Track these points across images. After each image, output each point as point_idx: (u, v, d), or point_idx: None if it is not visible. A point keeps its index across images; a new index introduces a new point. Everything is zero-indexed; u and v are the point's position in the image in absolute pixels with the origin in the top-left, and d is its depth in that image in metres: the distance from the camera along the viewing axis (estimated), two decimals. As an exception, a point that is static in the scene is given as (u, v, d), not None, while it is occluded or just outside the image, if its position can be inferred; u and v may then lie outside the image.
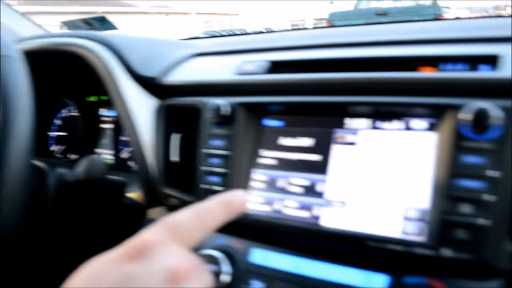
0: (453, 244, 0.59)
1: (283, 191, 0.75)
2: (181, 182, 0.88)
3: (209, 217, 0.44)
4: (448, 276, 0.60)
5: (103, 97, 1.30)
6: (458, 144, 0.61)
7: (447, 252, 0.59)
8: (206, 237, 0.75)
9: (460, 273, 0.60)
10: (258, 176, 0.78)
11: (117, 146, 1.23)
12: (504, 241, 0.59)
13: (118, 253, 0.37)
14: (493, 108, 0.58)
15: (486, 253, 0.58)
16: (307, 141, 0.75)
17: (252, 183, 0.78)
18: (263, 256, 0.73)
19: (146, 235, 0.39)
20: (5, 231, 0.69)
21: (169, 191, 0.88)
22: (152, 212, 0.95)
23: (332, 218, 0.69)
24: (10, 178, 0.68)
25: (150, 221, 0.93)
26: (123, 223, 0.98)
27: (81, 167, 0.82)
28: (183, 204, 0.84)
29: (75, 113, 1.35)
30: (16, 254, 0.75)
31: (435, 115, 0.65)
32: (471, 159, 0.60)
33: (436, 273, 0.61)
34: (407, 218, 0.64)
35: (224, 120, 0.79)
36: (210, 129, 0.81)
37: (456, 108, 0.62)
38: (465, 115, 0.60)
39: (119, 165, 1.22)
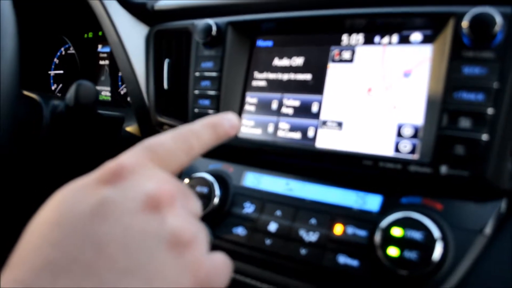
0: (450, 160, 0.56)
1: (277, 113, 0.72)
2: (174, 109, 0.85)
3: (195, 139, 0.40)
4: (445, 196, 0.58)
5: (100, 33, 1.27)
6: (456, 55, 0.56)
7: (443, 169, 0.56)
8: (195, 162, 0.74)
9: (458, 193, 0.57)
10: (251, 99, 0.75)
11: (115, 82, 1.21)
12: (506, 157, 0.55)
13: (93, 177, 0.34)
14: (495, 14, 0.53)
15: (486, 170, 0.54)
16: (301, 61, 0.71)
17: (245, 106, 0.75)
18: (256, 179, 0.71)
19: (124, 158, 0.36)
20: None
21: (163, 119, 0.86)
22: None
23: (327, 139, 0.67)
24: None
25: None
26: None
27: (71, 93, 0.79)
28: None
29: (72, 51, 1.32)
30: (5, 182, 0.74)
31: (433, 25, 0.61)
32: (470, 70, 0.55)
33: (432, 193, 0.58)
34: (401, 136, 0.61)
35: (215, 41, 0.75)
36: (201, 51, 0.78)
37: (456, 15, 0.57)
38: (466, 22, 0.55)
39: (117, 101, 1.20)
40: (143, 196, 0.32)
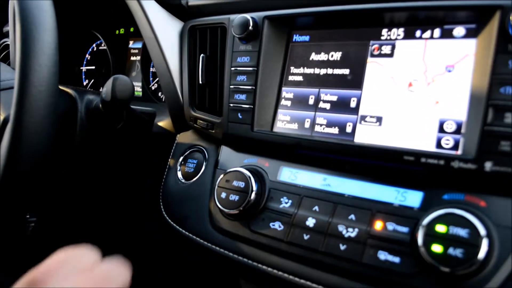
0: (496, 157, 0.54)
1: (314, 108, 0.72)
2: (209, 104, 0.85)
3: None
4: (488, 193, 0.56)
5: (131, 29, 1.29)
6: (503, 49, 0.55)
7: (488, 166, 0.55)
8: (230, 157, 0.74)
9: (501, 189, 0.56)
10: (287, 93, 0.75)
11: (146, 78, 1.22)
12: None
13: None
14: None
15: (534, 166, 0.53)
16: (339, 55, 0.70)
17: (281, 100, 0.75)
18: (292, 174, 0.71)
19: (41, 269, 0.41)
20: (33, 155, 0.69)
21: (196, 114, 0.86)
22: (181, 137, 0.94)
23: (366, 134, 0.66)
24: (36, 100, 0.67)
25: (180, 145, 0.92)
26: (154, 149, 0.98)
27: (107, 86, 0.80)
28: (211, 126, 0.83)
29: (104, 47, 1.34)
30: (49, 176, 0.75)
31: (477, 19, 0.59)
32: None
33: (474, 190, 0.57)
34: (443, 131, 0.60)
35: (251, 36, 0.75)
36: (238, 46, 0.78)
37: (503, 8, 0.56)
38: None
39: (148, 96, 1.21)
40: None
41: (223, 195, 0.72)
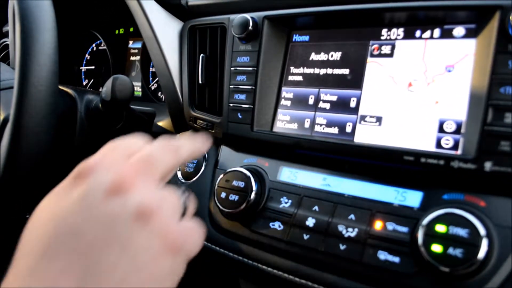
0: (495, 157, 0.54)
1: (314, 107, 0.72)
2: (208, 104, 0.85)
3: (177, 150, 0.48)
4: (488, 193, 0.56)
5: (131, 29, 1.29)
6: (503, 49, 0.55)
7: (488, 166, 0.55)
8: (229, 157, 0.74)
9: (501, 189, 0.56)
10: (287, 93, 0.75)
11: (146, 78, 1.22)
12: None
13: (67, 181, 0.41)
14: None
15: (533, 166, 0.53)
16: (339, 55, 0.71)
17: (281, 100, 0.75)
18: (292, 174, 0.71)
19: (90, 159, 0.42)
20: (33, 155, 0.69)
21: (196, 114, 0.86)
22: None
23: (366, 134, 0.66)
24: (35, 100, 0.67)
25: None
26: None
27: (107, 86, 0.80)
28: (210, 126, 0.83)
29: (103, 47, 1.34)
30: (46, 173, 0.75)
31: (477, 19, 0.59)
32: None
33: (474, 190, 0.57)
34: (443, 131, 0.60)
35: (251, 36, 0.75)
36: (237, 46, 0.78)
37: (503, 8, 0.56)
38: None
39: (148, 96, 1.21)
40: (105, 186, 0.39)
41: (223, 195, 0.72)
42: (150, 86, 1.22)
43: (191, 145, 0.53)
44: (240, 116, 0.76)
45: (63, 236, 0.36)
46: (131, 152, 0.45)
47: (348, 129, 0.68)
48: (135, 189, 0.40)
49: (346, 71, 0.69)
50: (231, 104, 0.77)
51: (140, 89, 1.23)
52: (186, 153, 0.51)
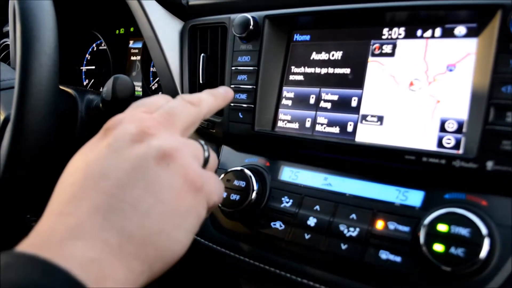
0: (497, 156, 0.54)
1: (315, 107, 0.71)
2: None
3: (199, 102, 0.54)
4: (489, 192, 0.56)
5: (131, 29, 1.29)
6: (504, 48, 0.55)
7: (490, 165, 0.55)
8: (230, 156, 0.74)
9: (502, 189, 0.55)
10: (288, 93, 0.75)
11: (146, 78, 1.22)
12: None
13: (98, 135, 0.46)
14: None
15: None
16: (340, 55, 0.70)
17: (282, 100, 0.75)
18: (293, 174, 0.71)
19: (115, 117, 0.47)
20: (34, 155, 0.69)
21: (197, 114, 0.86)
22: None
23: (367, 133, 0.66)
24: (36, 100, 0.67)
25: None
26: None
27: (108, 86, 0.80)
28: (211, 125, 0.82)
29: (104, 47, 1.33)
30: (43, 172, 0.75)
31: (478, 18, 0.59)
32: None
33: (475, 189, 0.57)
34: (445, 131, 0.60)
35: (252, 35, 0.75)
36: (238, 45, 0.78)
37: (504, 8, 0.55)
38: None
39: (148, 96, 1.21)
40: (130, 134, 0.43)
41: (224, 194, 0.72)
42: (150, 86, 1.22)
43: (211, 99, 0.58)
44: (241, 116, 0.76)
45: (91, 179, 0.40)
46: (154, 109, 0.50)
47: (349, 128, 0.68)
48: (158, 136, 0.44)
49: (347, 71, 0.69)
50: (232, 104, 0.77)
51: (141, 89, 1.23)
52: (206, 106, 0.56)
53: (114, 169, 0.40)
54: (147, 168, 0.41)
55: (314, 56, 0.73)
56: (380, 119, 0.65)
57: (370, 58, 0.67)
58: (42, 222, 0.38)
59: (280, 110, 0.75)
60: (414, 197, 0.60)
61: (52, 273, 0.32)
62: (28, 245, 0.35)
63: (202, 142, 0.51)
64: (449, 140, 0.60)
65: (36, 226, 0.38)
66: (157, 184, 0.41)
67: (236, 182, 0.71)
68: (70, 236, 0.36)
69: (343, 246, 0.61)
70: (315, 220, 0.65)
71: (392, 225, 0.59)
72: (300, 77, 0.74)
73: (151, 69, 1.22)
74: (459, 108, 0.59)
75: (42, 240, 0.36)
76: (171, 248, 0.41)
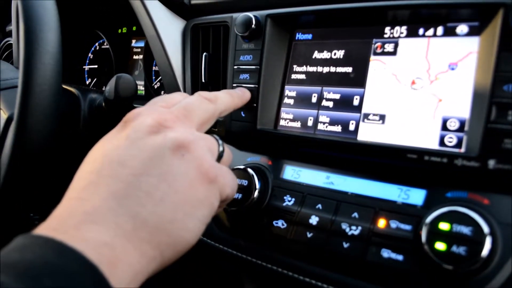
0: (499, 154, 0.54)
1: (317, 106, 0.72)
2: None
3: (216, 100, 0.56)
4: (491, 191, 0.56)
5: (134, 28, 1.29)
6: (506, 47, 0.55)
7: (492, 163, 0.55)
8: (236, 155, 0.74)
9: (504, 187, 0.55)
10: (290, 92, 0.75)
11: (148, 77, 1.22)
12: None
13: (117, 127, 0.47)
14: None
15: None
16: (342, 54, 0.71)
17: (284, 99, 0.75)
18: (295, 173, 0.71)
19: (134, 110, 0.49)
20: (37, 153, 0.69)
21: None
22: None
23: (369, 132, 0.66)
24: (39, 99, 0.67)
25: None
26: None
27: (110, 85, 0.80)
28: (213, 124, 0.83)
29: (106, 46, 1.34)
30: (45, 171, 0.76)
31: (480, 17, 0.59)
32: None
33: (477, 187, 0.57)
34: (446, 129, 0.60)
35: (254, 34, 0.75)
36: (240, 45, 0.78)
37: (506, 6, 0.55)
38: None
39: (151, 95, 1.21)
40: (147, 126, 0.45)
41: (227, 193, 0.72)
42: (153, 85, 1.22)
43: (228, 98, 0.60)
44: (243, 115, 0.76)
45: (108, 166, 0.42)
46: (171, 104, 0.52)
47: (351, 127, 0.68)
48: (175, 128, 0.46)
49: (349, 69, 0.69)
50: (234, 103, 0.77)
51: (143, 88, 1.23)
52: (222, 104, 0.58)
53: (130, 158, 0.42)
54: (163, 158, 0.43)
55: (316, 55, 0.73)
56: (382, 117, 0.65)
57: (372, 57, 0.68)
58: (60, 207, 0.40)
59: (282, 109, 0.75)
60: (416, 196, 0.60)
61: (66, 255, 0.33)
62: (45, 228, 0.37)
63: (217, 137, 0.52)
64: (451, 139, 0.60)
65: (54, 210, 0.39)
66: (172, 174, 0.42)
67: (238, 181, 0.71)
68: (85, 220, 0.37)
69: (345, 245, 0.61)
70: (317, 218, 0.65)
71: (394, 224, 0.59)
72: (302, 76, 0.74)
73: (154, 68, 1.22)
74: (461, 107, 0.59)
75: (59, 224, 0.37)
76: (183, 236, 0.42)
